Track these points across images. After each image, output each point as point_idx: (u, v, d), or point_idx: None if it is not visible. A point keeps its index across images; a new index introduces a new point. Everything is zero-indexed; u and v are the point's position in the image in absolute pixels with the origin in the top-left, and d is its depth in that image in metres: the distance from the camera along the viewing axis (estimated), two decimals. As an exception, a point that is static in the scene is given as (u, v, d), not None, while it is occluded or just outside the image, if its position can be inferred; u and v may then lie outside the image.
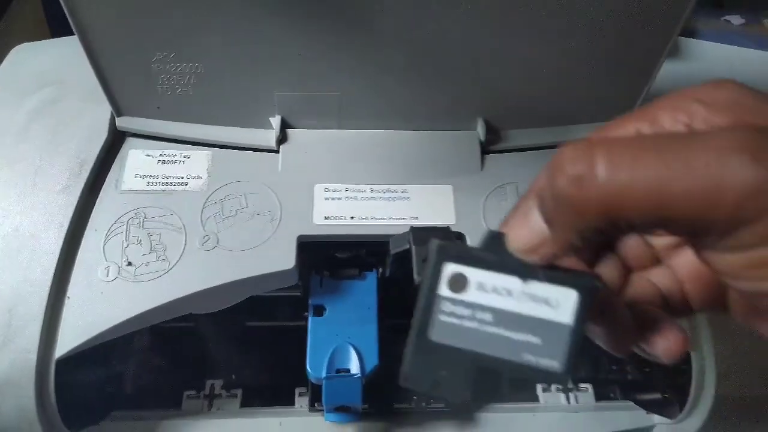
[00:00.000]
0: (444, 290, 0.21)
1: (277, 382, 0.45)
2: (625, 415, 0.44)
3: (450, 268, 0.21)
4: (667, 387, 0.43)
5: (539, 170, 0.43)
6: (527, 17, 0.36)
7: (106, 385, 0.43)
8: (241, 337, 0.48)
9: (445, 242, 0.21)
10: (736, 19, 0.79)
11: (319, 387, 0.38)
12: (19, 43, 0.50)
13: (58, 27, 0.73)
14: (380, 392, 0.41)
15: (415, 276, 0.32)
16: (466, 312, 0.21)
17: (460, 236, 0.39)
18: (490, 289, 0.21)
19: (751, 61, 0.51)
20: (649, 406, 0.44)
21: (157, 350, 0.46)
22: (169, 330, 0.47)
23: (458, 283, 0.21)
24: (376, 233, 0.39)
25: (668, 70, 0.41)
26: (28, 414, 0.35)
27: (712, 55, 0.52)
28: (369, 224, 0.39)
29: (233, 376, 0.45)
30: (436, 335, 0.21)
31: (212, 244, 0.38)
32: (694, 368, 0.39)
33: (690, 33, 0.85)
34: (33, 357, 0.35)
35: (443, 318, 0.21)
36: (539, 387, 0.46)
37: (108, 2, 0.35)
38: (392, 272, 0.39)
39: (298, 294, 0.43)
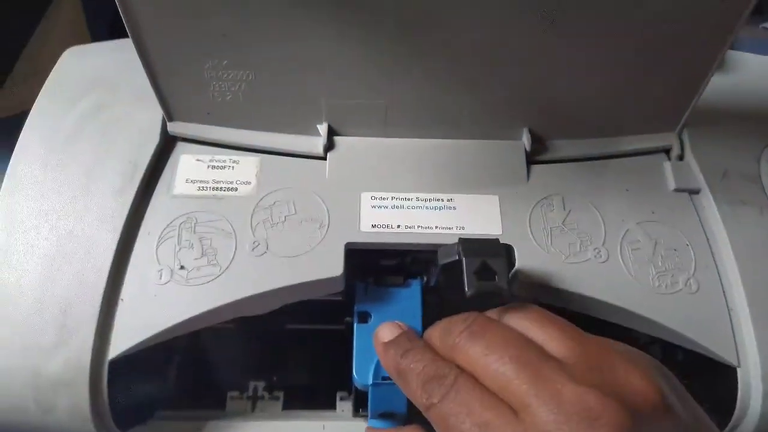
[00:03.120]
0: None
1: (317, 386, 0.46)
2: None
3: None
4: (710, 401, 0.43)
5: (585, 181, 0.43)
6: (576, 28, 0.37)
7: (153, 385, 0.44)
8: (281, 339, 0.49)
9: None
10: (774, 27, 0.78)
11: (363, 393, 0.39)
12: (59, 45, 0.51)
13: (98, 29, 0.74)
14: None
15: (466, 288, 0.33)
16: None
17: (509, 248, 0.39)
18: None
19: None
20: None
21: (201, 351, 0.47)
22: (212, 331, 0.48)
23: None
24: (424, 242, 0.39)
25: (713, 81, 0.41)
26: (81, 413, 0.36)
27: (757, 68, 0.51)
28: (416, 233, 0.39)
29: (274, 378, 0.46)
30: None
31: (262, 249, 0.38)
32: (739, 384, 0.38)
33: (728, 41, 0.84)
34: (87, 358, 0.35)
35: None
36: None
37: (164, 9, 0.36)
38: (438, 282, 0.40)
39: (338, 298, 0.44)
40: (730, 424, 0.39)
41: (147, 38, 0.37)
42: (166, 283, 0.37)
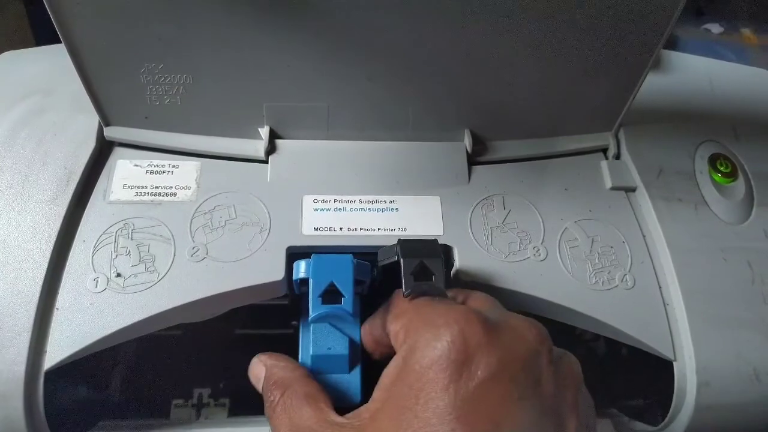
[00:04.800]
0: None
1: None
2: (607, 422, 0.44)
3: None
4: (651, 394, 0.44)
5: (525, 181, 0.44)
6: (513, 30, 0.37)
7: (93, 394, 0.43)
8: (228, 344, 0.48)
9: None
10: (715, 28, 0.80)
11: None
12: (1, 50, 0.50)
13: (42, 33, 0.73)
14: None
15: (404, 289, 0.33)
16: None
17: (447, 249, 0.39)
18: None
19: (729, 74, 0.52)
20: (634, 413, 0.45)
21: (144, 358, 0.46)
22: (156, 338, 0.47)
23: None
24: (366, 244, 0.39)
25: (650, 82, 0.42)
26: (16, 425, 0.35)
27: (693, 68, 0.53)
28: (358, 235, 0.39)
29: (221, 385, 0.46)
30: None
31: (201, 255, 0.38)
32: (675, 377, 0.39)
33: (671, 42, 0.86)
34: (21, 369, 0.34)
35: None
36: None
37: (96, 13, 0.35)
38: (379, 283, 0.40)
39: (284, 302, 0.43)
40: (668, 416, 0.40)
41: (79, 42, 0.37)
42: (102, 291, 0.37)
